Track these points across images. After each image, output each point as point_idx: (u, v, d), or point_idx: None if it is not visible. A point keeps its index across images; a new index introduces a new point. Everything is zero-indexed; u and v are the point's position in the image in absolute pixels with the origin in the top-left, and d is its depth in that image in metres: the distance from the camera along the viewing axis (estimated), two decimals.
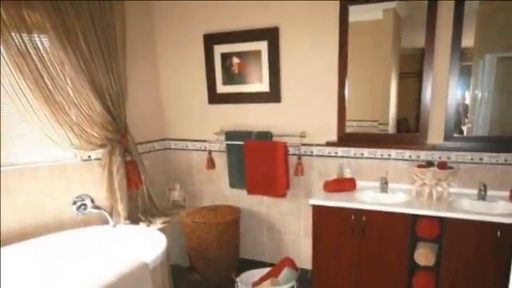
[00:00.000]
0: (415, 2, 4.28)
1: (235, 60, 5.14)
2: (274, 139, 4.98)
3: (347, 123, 4.69)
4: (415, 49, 4.39)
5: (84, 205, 4.58)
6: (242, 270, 4.96)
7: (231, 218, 5.07)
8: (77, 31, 4.18)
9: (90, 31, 4.31)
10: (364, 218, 4.07)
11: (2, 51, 3.73)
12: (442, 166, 4.11)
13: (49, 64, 4.05)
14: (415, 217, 3.88)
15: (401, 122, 4.59)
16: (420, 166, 4.20)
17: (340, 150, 4.83)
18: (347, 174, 4.74)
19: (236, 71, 5.17)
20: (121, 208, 4.76)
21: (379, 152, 4.65)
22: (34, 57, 3.93)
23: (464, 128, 4.30)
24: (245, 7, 4.95)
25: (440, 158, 4.35)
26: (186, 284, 5.30)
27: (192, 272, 5.36)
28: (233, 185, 5.40)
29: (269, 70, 4.95)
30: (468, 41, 4.04)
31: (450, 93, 4.17)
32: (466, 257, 3.73)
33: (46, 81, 4.03)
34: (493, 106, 4.16)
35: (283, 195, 5.01)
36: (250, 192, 5.17)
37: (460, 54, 4.06)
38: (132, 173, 4.87)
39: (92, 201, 4.63)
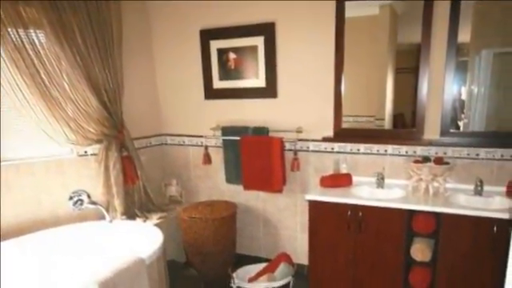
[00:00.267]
0: None
1: (232, 55, 5.13)
2: (271, 134, 4.98)
3: (343, 118, 4.69)
4: (411, 44, 4.39)
5: (80, 200, 4.57)
6: (238, 266, 4.97)
7: (227, 213, 5.07)
8: (73, 27, 4.17)
9: (87, 27, 4.30)
10: (360, 214, 4.07)
11: None
12: (439, 161, 4.12)
13: (45, 59, 4.04)
14: (411, 212, 3.89)
15: (397, 118, 4.60)
16: (416, 162, 4.21)
17: (336, 146, 4.83)
18: (343, 170, 4.74)
19: (232, 67, 5.16)
20: (117, 203, 4.76)
21: (375, 147, 4.65)
22: (31, 52, 3.92)
23: (460, 123, 4.30)
24: (241, 3, 4.94)
25: (436, 153, 4.35)
26: (183, 279, 5.31)
27: (188, 267, 5.36)
28: (229, 180, 5.40)
29: (265, 66, 4.95)
30: (464, 36, 4.04)
31: (446, 88, 4.17)
32: (463, 252, 3.73)
33: (43, 76, 4.02)
34: (489, 102, 4.16)
35: (279, 190, 5.01)
36: (247, 187, 5.17)
37: (456, 50, 4.06)
38: (128, 168, 4.87)
39: (88, 196, 4.63)
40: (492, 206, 3.91)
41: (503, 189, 4.09)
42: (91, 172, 4.73)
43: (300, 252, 5.25)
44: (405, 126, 4.55)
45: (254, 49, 4.98)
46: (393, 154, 4.58)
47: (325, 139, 4.77)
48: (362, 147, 4.72)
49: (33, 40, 3.94)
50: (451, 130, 4.24)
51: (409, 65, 4.44)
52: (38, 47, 3.99)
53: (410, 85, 4.39)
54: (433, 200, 3.99)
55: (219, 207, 5.21)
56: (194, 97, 5.52)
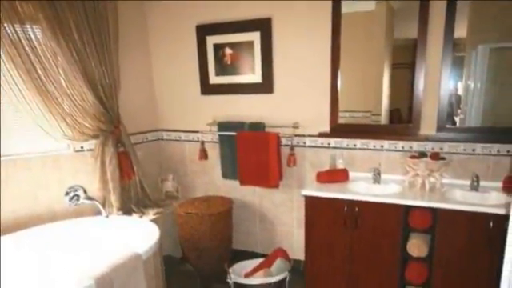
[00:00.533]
0: None
1: (228, 51, 5.13)
2: (267, 130, 4.99)
3: (340, 114, 4.69)
4: (408, 40, 4.39)
5: (77, 195, 4.58)
6: (234, 261, 4.97)
7: (224, 208, 5.07)
8: (69, 22, 4.15)
9: (83, 22, 4.28)
10: (357, 209, 4.08)
11: None
12: (435, 156, 4.12)
13: (41, 55, 4.03)
14: (408, 207, 3.89)
15: (393, 113, 4.60)
16: (413, 157, 4.21)
17: (333, 141, 4.83)
18: (340, 165, 4.74)
19: (229, 62, 5.16)
20: (113, 199, 4.75)
21: (372, 143, 4.65)
22: (27, 47, 3.90)
23: (457, 119, 4.31)
24: None
25: (433, 148, 4.36)
26: (179, 275, 5.31)
27: (184, 263, 5.36)
28: (225, 176, 5.40)
29: (261, 61, 4.95)
30: (461, 31, 4.05)
31: (442, 83, 4.17)
32: (459, 247, 3.74)
33: (39, 71, 4.01)
34: (485, 97, 4.16)
35: (276, 186, 5.01)
36: (243, 183, 5.17)
37: (453, 45, 4.06)
38: (125, 163, 4.87)
39: (85, 191, 4.64)
40: (488, 201, 3.92)
41: (499, 184, 4.10)
42: (87, 167, 4.72)
43: (296, 247, 5.25)
44: (401, 122, 4.55)
45: (250, 44, 4.97)
46: (389, 150, 4.59)
47: (321, 134, 4.77)
48: (359, 142, 4.72)
49: (29, 35, 3.92)
50: (447, 126, 4.24)
51: (405, 60, 4.44)
52: (35, 43, 3.98)
53: (406, 80, 4.39)
54: (429, 195, 4.00)
55: (215, 203, 5.21)
56: (191, 92, 5.51)
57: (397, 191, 4.23)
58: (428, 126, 4.33)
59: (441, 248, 3.82)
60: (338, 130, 4.71)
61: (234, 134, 5.06)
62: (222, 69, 5.22)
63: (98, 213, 4.56)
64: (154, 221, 4.53)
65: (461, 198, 4.00)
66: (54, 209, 4.50)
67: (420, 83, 4.25)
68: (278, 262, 4.77)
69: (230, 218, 5.23)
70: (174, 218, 5.29)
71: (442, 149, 4.33)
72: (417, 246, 3.86)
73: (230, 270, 4.68)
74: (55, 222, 4.35)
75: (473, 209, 3.61)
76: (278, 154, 4.85)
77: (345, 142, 4.78)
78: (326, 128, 4.76)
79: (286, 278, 4.63)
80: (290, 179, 5.14)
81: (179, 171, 5.89)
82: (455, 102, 4.27)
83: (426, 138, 4.29)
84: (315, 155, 4.95)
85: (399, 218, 3.93)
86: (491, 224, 3.54)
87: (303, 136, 4.94)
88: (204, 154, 5.36)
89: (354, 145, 4.74)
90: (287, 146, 4.93)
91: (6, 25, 3.72)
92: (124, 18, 4.98)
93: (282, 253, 4.91)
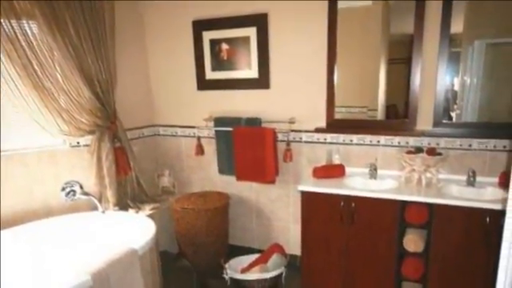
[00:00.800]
0: None
1: (224, 46, 5.12)
2: (263, 125, 4.98)
3: (336, 109, 4.69)
4: (404, 35, 4.39)
5: (73, 191, 4.58)
6: (230, 256, 4.99)
7: (220, 204, 5.07)
8: (66, 18, 4.14)
9: (79, 18, 4.27)
10: (353, 205, 4.08)
11: None
12: (431, 152, 4.12)
13: (38, 50, 4.02)
14: (404, 203, 3.90)
15: (390, 108, 4.60)
16: (409, 152, 4.21)
17: (329, 137, 4.83)
18: (336, 161, 4.74)
19: (225, 57, 5.15)
20: (110, 194, 4.75)
21: (368, 138, 4.66)
22: (23, 43, 3.90)
23: (453, 114, 4.31)
24: None
25: (429, 144, 4.36)
26: (175, 270, 5.32)
27: (181, 258, 5.36)
28: (222, 171, 5.40)
29: (258, 57, 4.95)
30: (457, 27, 4.04)
31: (438, 79, 4.18)
32: (455, 243, 3.74)
33: (35, 67, 4.00)
34: (482, 92, 4.16)
35: (272, 181, 5.01)
36: (239, 178, 5.17)
37: (449, 41, 4.06)
38: (121, 159, 4.86)
39: (81, 187, 4.64)
40: (484, 196, 3.92)
41: (496, 179, 4.10)
42: (84, 163, 4.72)
43: (293, 243, 5.26)
44: (397, 117, 4.55)
45: (246, 40, 4.97)
46: (385, 145, 4.59)
47: (317, 130, 4.77)
48: (355, 138, 4.72)
49: (25, 31, 3.92)
50: (444, 121, 4.24)
51: (402, 55, 4.44)
52: (31, 38, 3.97)
53: (402, 75, 4.39)
54: (425, 191, 4.00)
55: (212, 198, 5.22)
56: (187, 87, 5.51)
57: (393, 186, 4.23)
58: (424, 122, 4.33)
59: (437, 243, 3.82)
60: (335, 126, 4.71)
61: (231, 129, 5.05)
62: (218, 64, 5.21)
63: (95, 208, 4.56)
64: (150, 216, 4.53)
65: (457, 193, 4.00)
66: (50, 204, 4.50)
67: (416, 78, 4.24)
68: (275, 258, 4.77)
69: (226, 214, 5.24)
70: (170, 213, 5.29)
71: (438, 144, 4.33)
72: (413, 242, 3.87)
73: (227, 266, 4.69)
74: (51, 217, 4.35)
75: (469, 204, 3.61)
76: (274, 149, 4.85)
77: (341, 137, 4.78)
78: (323, 123, 4.76)
79: (282, 274, 4.64)
80: (287, 175, 5.14)
81: (175, 166, 5.89)
82: (451, 98, 4.27)
83: (423, 134, 4.29)
84: (311, 151, 4.95)
85: (395, 214, 3.94)
86: (487, 219, 3.54)
87: (299, 131, 4.94)
88: (200, 150, 5.35)
89: (351, 140, 4.74)
90: (283, 141, 4.93)
91: (2, 20, 3.71)
92: (120, 13, 4.97)
93: (278, 248, 4.92)
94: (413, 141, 4.44)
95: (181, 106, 5.65)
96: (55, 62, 4.19)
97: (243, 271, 4.77)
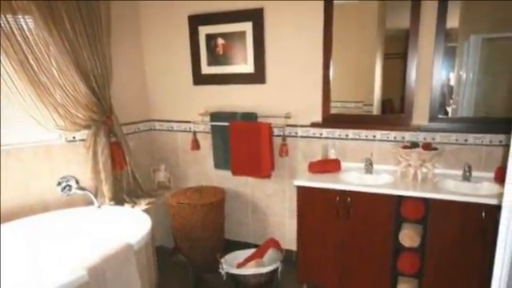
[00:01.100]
0: None
1: (220, 41, 5.11)
2: (259, 120, 4.98)
3: (332, 104, 4.69)
4: (400, 30, 4.38)
5: (69, 186, 4.58)
6: (226, 251, 5.01)
7: (216, 199, 5.08)
8: (62, 13, 4.14)
9: (75, 13, 4.27)
10: (349, 199, 4.08)
11: None
12: (427, 147, 4.12)
13: (33, 45, 4.02)
14: (400, 198, 3.90)
15: (385, 103, 4.60)
16: (405, 147, 4.22)
17: (325, 131, 4.83)
18: (332, 155, 4.75)
19: (221, 52, 5.15)
20: (105, 189, 4.75)
21: (364, 133, 4.66)
22: (19, 38, 3.90)
23: (449, 109, 4.31)
24: None
25: (425, 138, 4.36)
26: (171, 265, 5.31)
27: (177, 253, 5.35)
28: (217, 166, 5.39)
29: (253, 51, 4.94)
30: (453, 22, 4.04)
31: (434, 74, 4.18)
32: (451, 238, 3.75)
33: (31, 62, 4.00)
34: (477, 87, 4.17)
35: (268, 176, 5.02)
36: (235, 173, 5.17)
37: (445, 35, 4.06)
38: (117, 154, 4.86)
39: (77, 182, 4.63)
40: (480, 191, 3.93)
41: (491, 174, 4.11)
42: (79, 158, 4.71)
43: (288, 238, 5.27)
44: (393, 112, 4.55)
45: (242, 34, 4.96)
46: (381, 140, 4.59)
47: (313, 125, 4.77)
48: (351, 133, 4.72)
49: (21, 25, 3.91)
50: (440, 116, 4.25)
51: (397, 50, 4.44)
52: (27, 33, 3.97)
53: (398, 70, 4.39)
54: (421, 185, 4.01)
55: (208, 193, 5.22)
56: (183, 82, 5.50)
57: (389, 181, 4.23)
58: (420, 116, 4.33)
59: (433, 238, 3.83)
60: (330, 120, 4.71)
61: (227, 124, 5.05)
62: (214, 59, 5.21)
63: (90, 203, 4.56)
64: (146, 211, 4.53)
65: (453, 188, 4.01)
66: (46, 199, 4.49)
67: (412, 73, 4.24)
68: (270, 253, 4.78)
69: (222, 209, 5.25)
70: (166, 208, 5.30)
71: (434, 139, 4.33)
72: (409, 237, 3.87)
73: (223, 261, 4.70)
74: (47, 212, 4.35)
75: (465, 199, 3.62)
76: (270, 144, 4.85)
77: (337, 132, 4.78)
78: (318, 118, 4.76)
79: (278, 269, 4.65)
80: (282, 169, 5.14)
81: (171, 161, 5.89)
82: (447, 93, 4.27)
83: (418, 128, 4.30)
84: (307, 145, 4.96)
85: (391, 209, 3.94)
86: (483, 214, 3.55)
87: (295, 126, 4.94)
88: (196, 145, 5.35)
89: (346, 135, 4.74)
90: (279, 136, 4.93)
91: None
92: (116, 8, 4.96)
93: (274, 243, 4.93)
94: (409, 136, 4.44)
95: (177, 101, 5.64)
96: (51, 57, 4.19)
97: (239, 266, 4.77)
